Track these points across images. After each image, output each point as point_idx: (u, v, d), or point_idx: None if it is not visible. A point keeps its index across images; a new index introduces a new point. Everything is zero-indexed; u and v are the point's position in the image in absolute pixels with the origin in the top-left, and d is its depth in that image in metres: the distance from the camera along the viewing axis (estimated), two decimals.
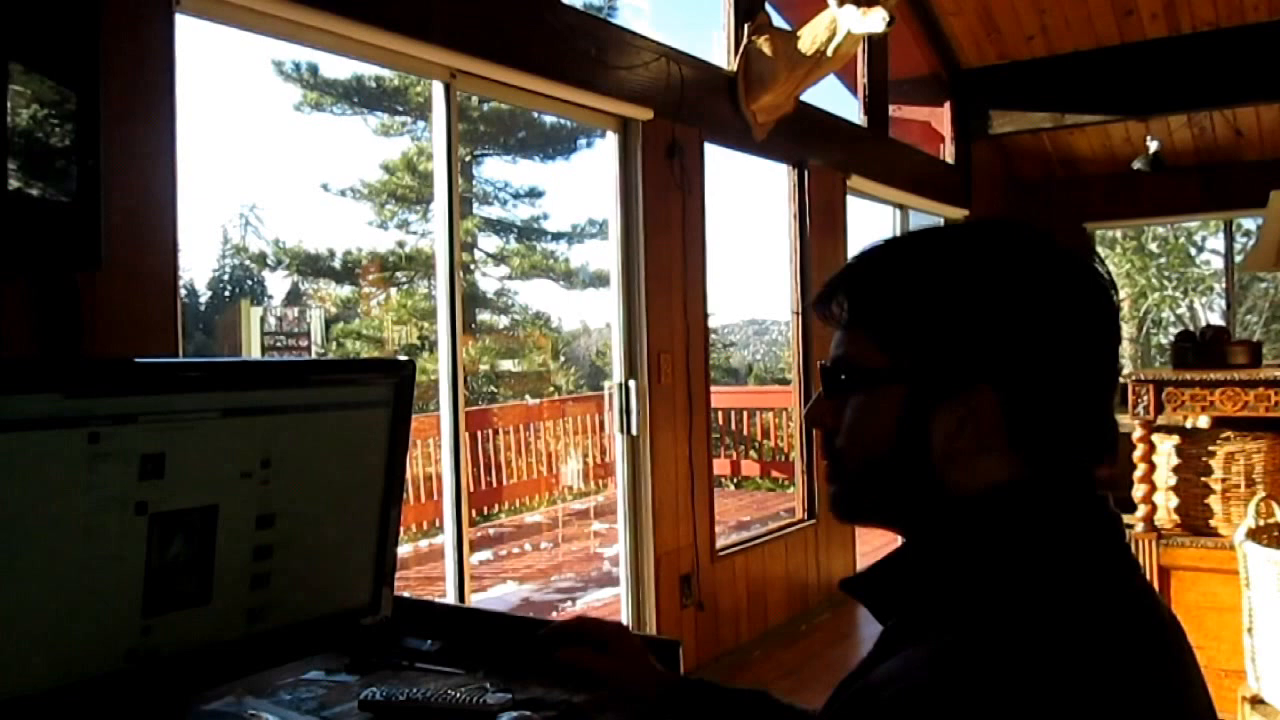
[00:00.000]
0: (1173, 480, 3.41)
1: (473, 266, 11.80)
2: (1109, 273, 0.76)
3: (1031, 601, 0.67)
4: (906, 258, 0.79)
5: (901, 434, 0.76)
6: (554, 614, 5.44)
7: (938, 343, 0.74)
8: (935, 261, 0.77)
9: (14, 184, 1.90)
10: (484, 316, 12.35)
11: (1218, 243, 12.13)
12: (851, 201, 5.30)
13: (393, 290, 11.80)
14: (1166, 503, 3.45)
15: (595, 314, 14.02)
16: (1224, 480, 3.30)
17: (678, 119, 3.98)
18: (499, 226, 12.29)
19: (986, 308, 0.73)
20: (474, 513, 7.16)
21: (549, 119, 11.29)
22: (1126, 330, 13.81)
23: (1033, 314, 0.72)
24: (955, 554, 0.73)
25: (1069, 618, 0.67)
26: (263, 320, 11.31)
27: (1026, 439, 0.73)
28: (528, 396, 10.66)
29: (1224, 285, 9.59)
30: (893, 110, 5.98)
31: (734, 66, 4.35)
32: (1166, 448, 3.45)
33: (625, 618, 3.87)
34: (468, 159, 11.66)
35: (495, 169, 12.73)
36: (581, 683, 1.22)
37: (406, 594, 2.06)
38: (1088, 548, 0.72)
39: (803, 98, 4.60)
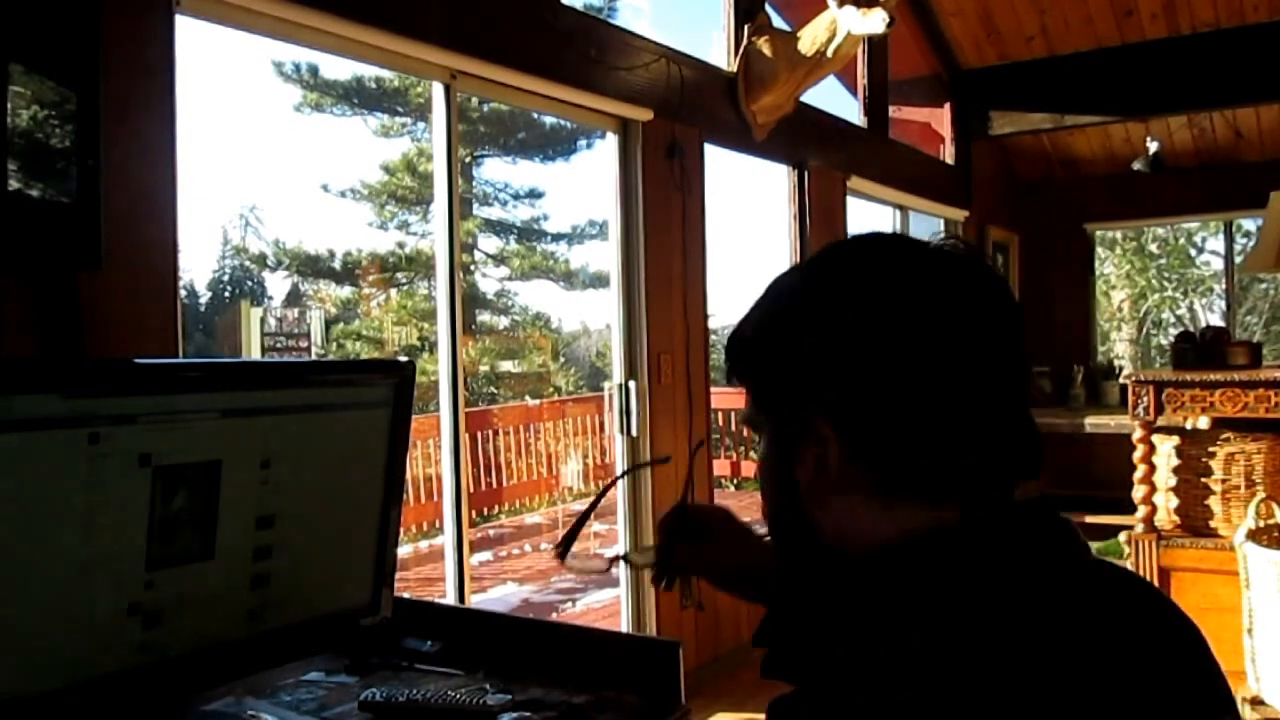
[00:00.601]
0: (1173, 481, 3.42)
1: (473, 267, 11.80)
2: (984, 272, 0.68)
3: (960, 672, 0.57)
4: (756, 301, 0.74)
5: (777, 480, 0.71)
6: (554, 615, 5.44)
7: (774, 378, 0.70)
8: (773, 295, 0.73)
9: (14, 184, 1.90)
10: (484, 317, 12.34)
11: (1218, 244, 12.12)
12: (851, 202, 5.30)
13: (393, 291, 11.79)
14: (1167, 503, 3.45)
15: (595, 315, 14.01)
16: (1224, 481, 3.30)
17: (678, 120, 3.98)
18: (499, 227, 12.28)
19: (809, 332, 0.67)
20: (474, 513, 7.15)
21: (549, 120, 11.28)
22: (1127, 331, 13.79)
23: (857, 334, 0.65)
24: (842, 618, 0.64)
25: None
26: (263, 321, 11.30)
27: (882, 476, 0.65)
28: (528, 397, 10.65)
29: (1224, 286, 9.59)
30: (893, 111, 5.98)
31: (734, 67, 4.35)
32: (1166, 448, 3.45)
33: (625, 618, 3.87)
34: (468, 160, 11.66)
35: (495, 170, 12.74)
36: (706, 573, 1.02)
37: (406, 595, 2.06)
38: (1002, 602, 0.60)
39: (803, 98, 4.60)
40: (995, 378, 0.66)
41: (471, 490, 6.37)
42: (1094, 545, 6.42)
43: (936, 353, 0.64)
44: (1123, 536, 3.43)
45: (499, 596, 5.98)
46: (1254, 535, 2.95)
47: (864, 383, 0.64)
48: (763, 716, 0.67)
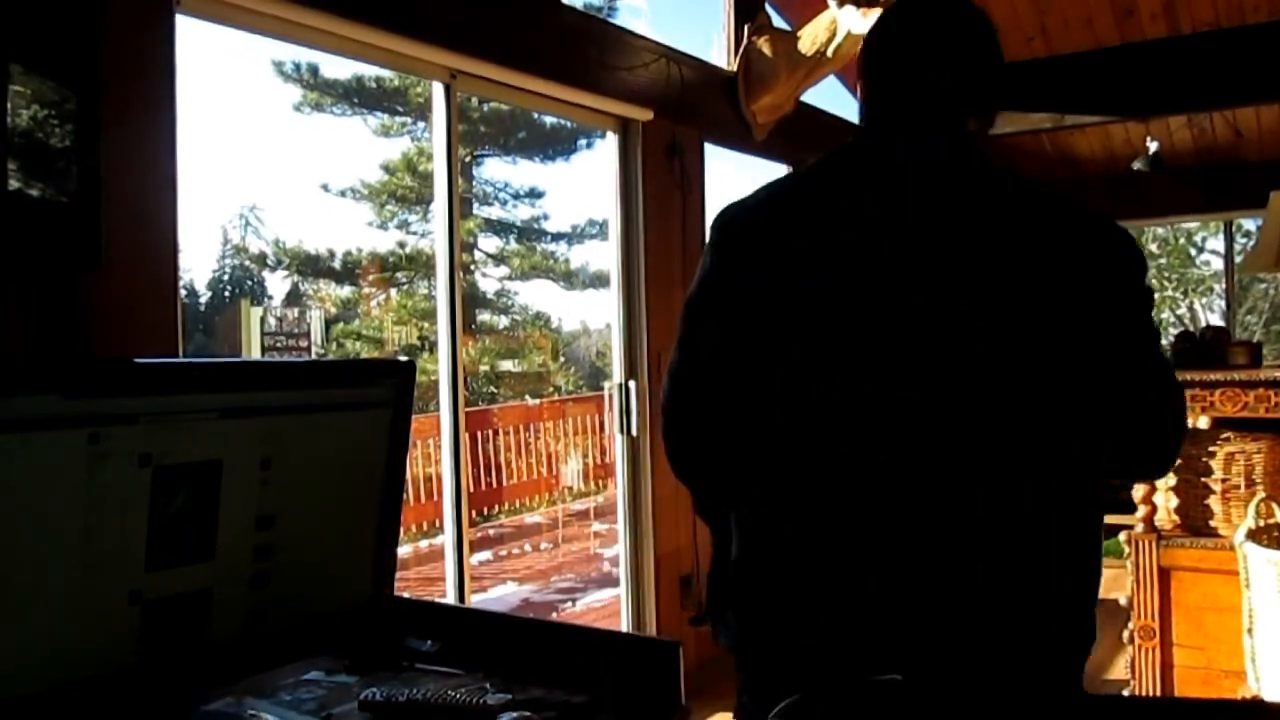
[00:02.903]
0: (1172, 481, 3.41)
1: (473, 267, 11.80)
2: None
3: None
4: None
5: None
6: (554, 615, 5.44)
7: None
8: None
9: (14, 184, 1.90)
10: (484, 317, 12.34)
11: (1218, 243, 12.12)
12: None
13: (393, 291, 11.79)
14: (1166, 503, 3.44)
15: (595, 314, 14.01)
16: (1224, 481, 3.29)
17: (678, 119, 3.98)
18: (499, 227, 12.28)
19: None
20: (474, 513, 7.15)
21: (549, 119, 11.29)
22: None
23: None
24: None
25: None
26: (263, 321, 11.28)
27: None
28: (528, 397, 10.66)
29: (1224, 286, 9.59)
30: None
31: (734, 67, 4.35)
32: None
33: (625, 619, 3.87)
34: (468, 159, 11.66)
35: (495, 169, 12.73)
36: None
37: (407, 594, 2.06)
38: None
39: (803, 98, 4.60)
40: None
41: (471, 490, 6.37)
42: None
43: None
44: (1123, 536, 3.43)
45: (499, 596, 5.99)
46: (1254, 535, 2.95)
47: None
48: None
